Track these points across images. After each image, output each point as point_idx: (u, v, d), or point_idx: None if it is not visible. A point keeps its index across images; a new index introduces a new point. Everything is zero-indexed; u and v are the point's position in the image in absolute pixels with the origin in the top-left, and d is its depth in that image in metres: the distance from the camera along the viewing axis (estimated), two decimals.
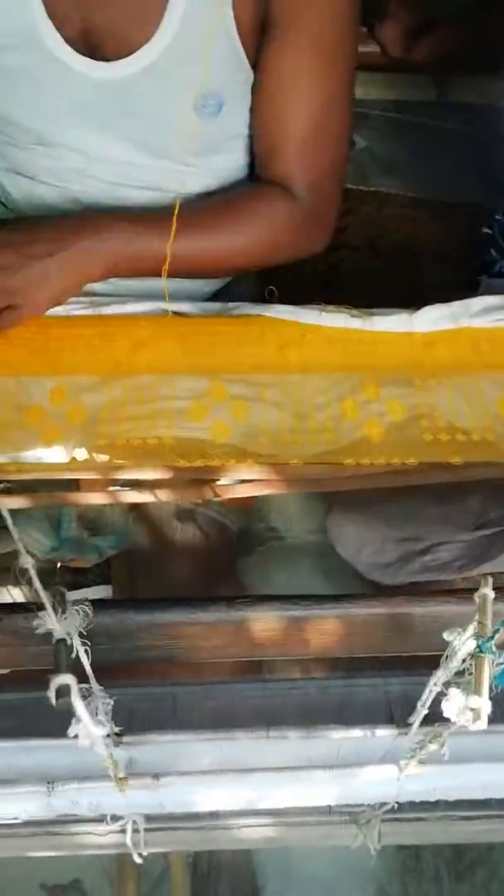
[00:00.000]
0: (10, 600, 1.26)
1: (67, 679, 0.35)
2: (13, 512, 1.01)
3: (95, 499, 0.88)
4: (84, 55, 0.71)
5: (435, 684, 0.48)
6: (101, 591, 1.35)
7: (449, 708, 0.41)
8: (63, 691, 0.35)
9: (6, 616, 0.55)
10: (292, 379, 0.79)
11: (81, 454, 0.74)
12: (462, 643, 0.43)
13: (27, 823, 0.64)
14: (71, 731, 0.40)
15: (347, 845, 0.72)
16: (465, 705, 0.40)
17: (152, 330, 0.81)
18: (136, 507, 0.99)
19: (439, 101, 1.56)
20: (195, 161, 0.80)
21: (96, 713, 0.42)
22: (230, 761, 0.57)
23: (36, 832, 0.64)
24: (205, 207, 0.81)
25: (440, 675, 0.46)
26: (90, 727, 0.38)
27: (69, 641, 0.38)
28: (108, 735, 0.43)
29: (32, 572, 0.31)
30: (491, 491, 0.95)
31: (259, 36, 0.72)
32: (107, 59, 0.71)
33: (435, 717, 0.54)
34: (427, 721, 0.55)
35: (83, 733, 0.39)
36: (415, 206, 1.46)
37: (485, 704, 0.41)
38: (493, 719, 0.43)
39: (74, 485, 0.92)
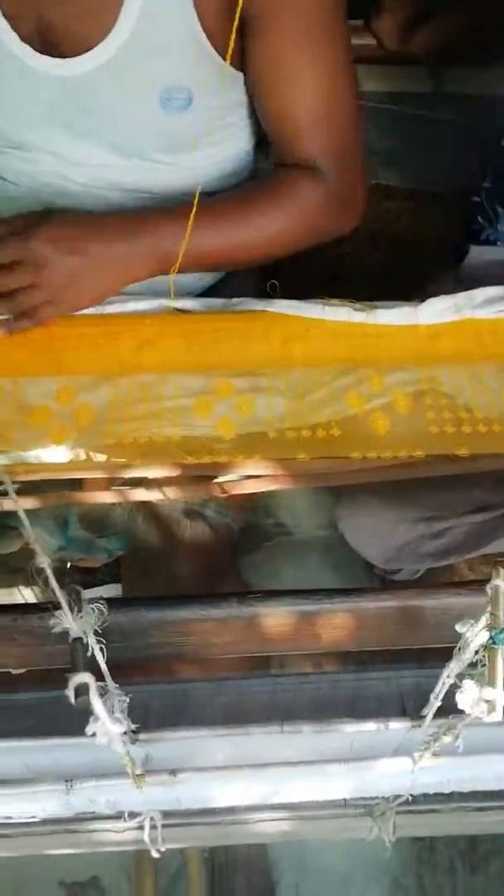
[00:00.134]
0: (21, 601, 1.27)
1: (85, 677, 0.35)
2: (25, 512, 1.02)
3: (103, 497, 0.89)
4: (41, 53, 0.70)
5: (448, 676, 0.48)
6: (110, 590, 1.35)
7: (463, 700, 0.41)
8: (81, 689, 0.35)
9: (21, 616, 0.55)
10: (297, 374, 0.79)
11: (90, 454, 0.74)
12: (475, 635, 0.43)
13: (46, 822, 0.64)
14: (89, 730, 0.40)
15: (362, 838, 0.72)
16: (479, 697, 0.40)
17: (156, 328, 0.81)
18: (138, 506, 0.99)
19: (435, 92, 1.56)
20: (168, 158, 0.79)
21: (113, 711, 0.42)
22: (245, 756, 0.57)
23: (55, 830, 0.65)
24: (236, 198, 0.80)
25: (453, 667, 0.46)
26: (108, 725, 0.38)
27: (85, 640, 0.38)
28: (125, 732, 0.43)
29: (49, 571, 0.31)
30: (497, 478, 0.95)
31: (228, 27, 0.68)
32: (65, 57, 0.70)
33: (448, 709, 0.54)
34: (440, 713, 0.55)
35: (101, 731, 0.39)
36: (414, 198, 1.46)
37: (499, 696, 0.41)
38: None
39: (78, 484, 0.92)
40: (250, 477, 0.85)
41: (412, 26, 1.30)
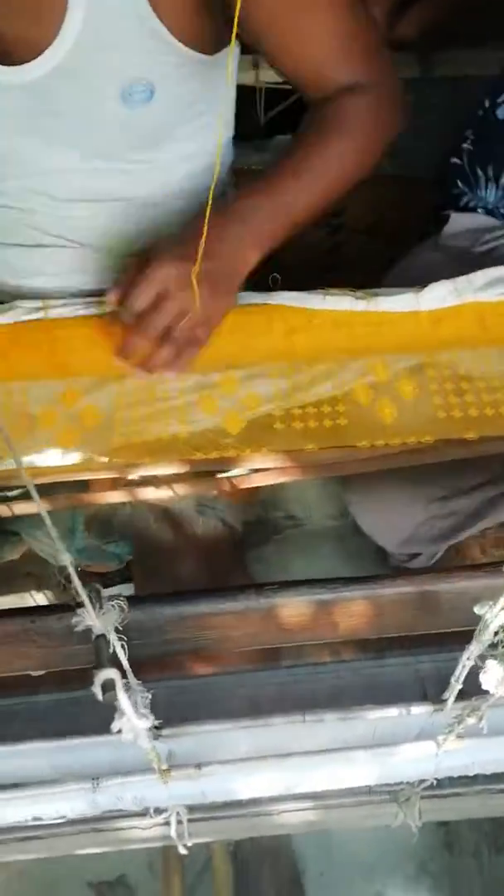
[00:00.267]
0: (31, 604, 1.27)
1: (111, 673, 0.35)
2: (24, 517, 1.01)
3: (111, 497, 0.89)
4: None
5: (468, 658, 0.48)
6: (122, 591, 1.36)
7: (487, 680, 0.41)
8: (108, 685, 0.35)
9: (39, 618, 0.55)
10: (301, 365, 0.79)
11: (99, 455, 0.74)
12: (494, 616, 0.43)
13: (73, 822, 0.65)
14: (115, 726, 0.40)
15: (387, 825, 0.72)
16: (503, 676, 0.40)
17: None
18: (143, 507, 0.99)
19: (424, 77, 1.55)
20: (140, 156, 0.78)
21: (137, 707, 0.42)
22: (268, 747, 0.57)
23: (82, 830, 0.65)
24: (299, 149, 0.79)
25: (473, 649, 0.46)
26: (134, 720, 0.38)
27: (108, 637, 0.38)
28: (151, 728, 0.43)
29: (71, 569, 0.31)
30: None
31: (187, 11, 0.68)
32: (20, 63, 0.70)
33: (468, 691, 0.54)
34: (460, 696, 0.55)
35: (127, 727, 0.39)
36: (408, 185, 1.45)
37: None
38: None
39: (84, 487, 0.92)
40: (258, 470, 0.85)
41: (399, 10, 1.29)
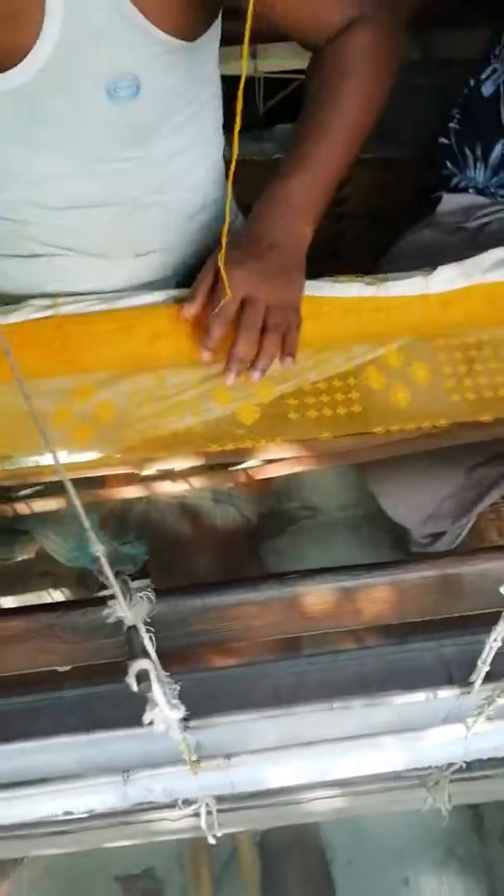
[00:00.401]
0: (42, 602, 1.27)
1: (146, 664, 0.35)
2: (33, 516, 1.02)
3: (127, 493, 0.89)
4: None
5: (495, 640, 0.48)
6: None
7: None
8: (143, 676, 0.35)
9: (64, 613, 0.56)
10: (313, 353, 0.79)
11: (115, 451, 0.74)
12: None
13: (101, 815, 0.65)
14: (146, 718, 0.40)
15: (416, 810, 0.72)
16: None
17: (168, 319, 0.81)
18: (157, 503, 0.99)
19: (424, 59, 1.54)
20: (130, 153, 0.78)
21: (167, 698, 0.42)
22: (296, 736, 0.57)
23: (111, 823, 0.65)
24: (313, 105, 0.79)
25: (500, 630, 0.46)
26: (166, 711, 0.38)
27: (139, 628, 0.38)
28: (182, 719, 0.43)
29: (104, 560, 0.31)
30: None
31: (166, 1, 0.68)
32: (3, 70, 0.69)
33: (494, 673, 0.54)
34: (487, 678, 0.55)
35: (159, 718, 0.39)
36: (411, 168, 1.44)
37: None
38: None
39: (100, 484, 0.92)
40: (273, 461, 0.85)
41: None
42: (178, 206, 0.88)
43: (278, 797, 0.68)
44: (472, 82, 1.10)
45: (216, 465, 0.85)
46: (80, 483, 0.90)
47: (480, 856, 1.17)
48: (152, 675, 0.36)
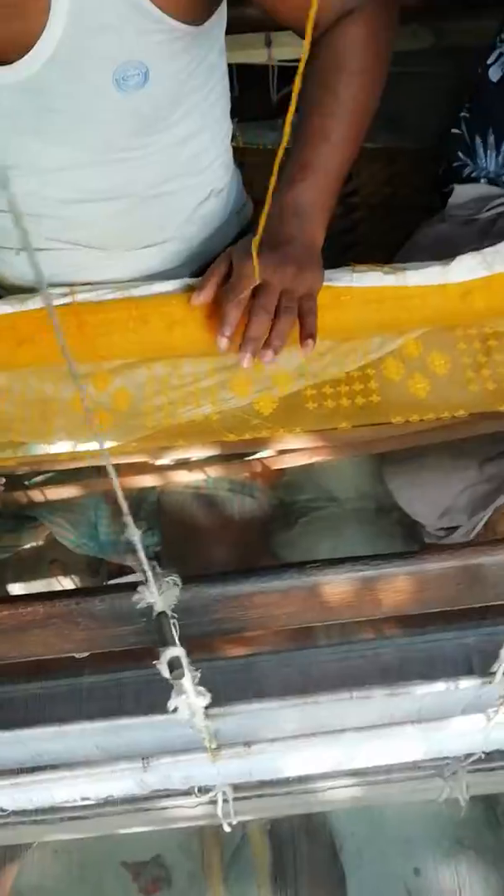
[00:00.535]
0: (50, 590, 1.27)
1: (178, 651, 0.35)
2: (44, 504, 1.01)
3: (145, 481, 0.89)
4: None
5: None
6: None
7: None
8: (175, 663, 0.35)
9: (83, 599, 0.55)
10: (331, 342, 0.79)
11: (131, 438, 0.74)
12: None
13: (117, 801, 0.65)
14: (171, 704, 0.40)
15: (432, 800, 0.72)
16: None
17: (184, 308, 0.80)
18: (170, 493, 0.99)
19: (436, 47, 1.53)
20: (137, 142, 0.77)
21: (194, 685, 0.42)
22: (315, 725, 0.57)
23: (127, 809, 0.65)
24: (313, 103, 0.79)
25: None
26: (193, 698, 0.38)
27: (168, 615, 0.38)
28: (207, 706, 0.43)
29: (139, 545, 0.31)
30: None
31: None
32: (10, 62, 0.68)
33: None
34: None
35: (184, 705, 0.39)
36: (422, 158, 1.43)
37: None
38: None
39: (101, 472, 0.91)
40: (289, 451, 0.85)
41: None
42: (188, 194, 0.87)
43: (293, 786, 0.68)
44: (479, 70, 1.09)
45: (233, 455, 0.85)
46: (93, 471, 0.90)
47: (491, 846, 1.17)
48: (185, 662, 0.36)
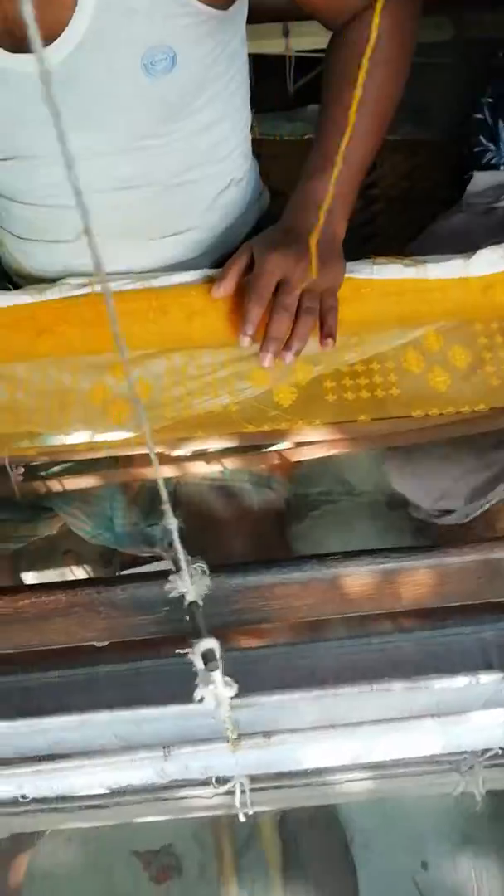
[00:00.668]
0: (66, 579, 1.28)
1: (212, 643, 0.35)
2: (60, 495, 1.02)
3: (163, 472, 0.89)
4: (15, 52, 0.68)
5: None
6: (164, 566, 1.36)
7: None
8: (209, 655, 0.35)
9: (104, 588, 0.56)
10: (351, 334, 0.78)
11: (150, 429, 0.74)
12: None
13: (133, 791, 0.65)
14: (198, 694, 0.40)
15: (442, 794, 0.73)
16: None
17: (204, 299, 0.80)
18: (186, 484, 0.98)
19: (458, 39, 1.51)
20: (162, 128, 0.77)
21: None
22: (334, 717, 0.57)
23: (146, 798, 0.65)
24: (333, 95, 0.80)
25: None
26: (220, 689, 0.38)
27: (200, 604, 0.38)
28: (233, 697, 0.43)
29: (176, 534, 0.31)
30: None
31: None
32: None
33: None
34: None
35: (210, 695, 0.39)
36: (443, 150, 1.42)
37: None
38: None
39: (119, 463, 0.91)
40: (307, 443, 0.85)
41: None
42: (209, 183, 0.87)
43: (309, 778, 0.68)
44: (500, 54, 1.08)
45: (250, 446, 0.85)
46: (109, 462, 0.90)
47: (500, 840, 1.17)
48: (218, 653, 0.36)
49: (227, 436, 0.76)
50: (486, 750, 0.61)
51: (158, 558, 1.35)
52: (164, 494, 0.28)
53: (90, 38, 0.67)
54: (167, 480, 0.97)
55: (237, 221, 0.94)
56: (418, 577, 0.58)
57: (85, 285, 0.82)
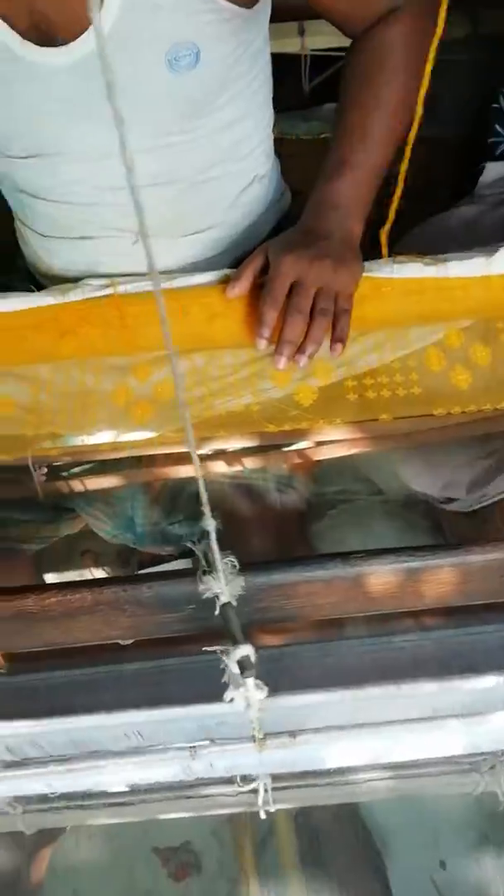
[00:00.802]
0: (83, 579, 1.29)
1: (248, 649, 0.35)
2: (81, 495, 1.02)
3: (180, 472, 0.89)
4: (41, 45, 0.69)
5: None
6: (182, 566, 1.37)
7: None
8: (245, 662, 0.35)
9: (130, 587, 0.56)
10: (372, 333, 0.78)
11: (173, 429, 0.74)
12: None
13: (157, 789, 0.66)
14: (228, 696, 0.40)
15: (460, 793, 0.73)
16: None
17: (224, 300, 0.81)
18: (213, 484, 0.99)
19: (471, 36, 1.51)
20: (185, 125, 0.77)
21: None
22: (360, 717, 0.57)
23: (167, 797, 0.66)
24: (351, 99, 0.81)
25: None
26: (252, 691, 0.38)
27: (234, 604, 0.38)
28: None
29: (213, 535, 0.31)
30: None
31: None
32: (65, 44, 0.69)
33: None
34: None
35: (241, 697, 0.40)
36: (458, 147, 1.42)
37: None
38: None
39: (150, 463, 0.92)
40: (327, 442, 0.85)
41: None
42: (232, 180, 0.88)
43: (330, 777, 0.69)
44: None
45: (271, 446, 0.85)
46: (131, 462, 0.91)
47: None
48: (254, 659, 0.36)
49: (249, 435, 0.76)
50: None
51: (177, 557, 1.36)
52: (204, 496, 0.28)
53: (116, 32, 0.67)
54: (191, 480, 0.98)
55: (259, 220, 0.94)
56: (442, 576, 0.58)
57: (107, 286, 0.82)
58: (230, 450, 0.86)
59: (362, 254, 0.81)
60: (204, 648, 0.44)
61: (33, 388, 0.77)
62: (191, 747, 0.54)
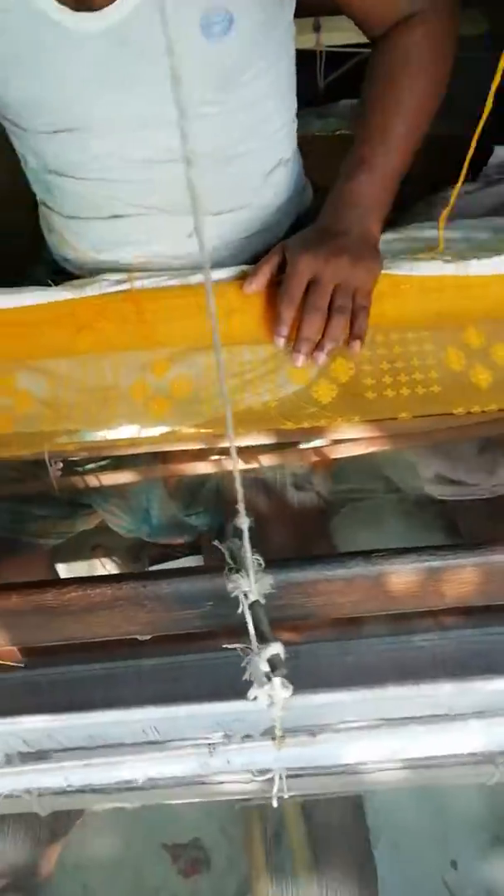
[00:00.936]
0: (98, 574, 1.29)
1: (278, 647, 0.35)
2: (97, 491, 1.02)
3: (197, 469, 0.89)
4: (76, 10, 0.69)
5: None
6: (192, 562, 1.37)
7: None
8: (276, 661, 0.35)
9: (150, 582, 0.56)
10: (391, 331, 0.78)
11: (190, 425, 0.74)
12: None
13: (174, 780, 0.66)
14: (252, 694, 0.40)
15: (470, 791, 0.72)
16: None
17: (242, 295, 0.80)
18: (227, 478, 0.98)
19: (492, 32, 1.50)
20: (215, 96, 0.77)
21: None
22: (379, 715, 0.57)
23: (180, 784, 0.66)
24: (373, 100, 0.81)
25: None
26: (278, 689, 0.38)
27: (262, 602, 0.38)
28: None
29: (246, 534, 0.31)
30: None
31: None
32: (100, 8, 0.68)
33: None
34: None
35: (265, 695, 0.39)
36: (477, 148, 1.40)
37: None
38: None
39: (166, 459, 0.92)
40: (345, 440, 0.85)
41: None
42: (256, 159, 0.87)
43: (344, 769, 0.68)
44: None
45: (287, 443, 0.85)
46: (147, 458, 0.91)
47: None
48: (282, 658, 0.36)
49: (267, 432, 0.76)
50: None
51: (187, 554, 1.36)
52: (240, 494, 0.28)
53: None
54: (208, 476, 0.98)
55: (285, 206, 0.94)
56: (464, 575, 0.57)
57: (123, 281, 0.82)
58: (249, 446, 0.86)
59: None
60: (225, 646, 0.44)
61: (51, 383, 0.77)
62: (209, 744, 0.54)
